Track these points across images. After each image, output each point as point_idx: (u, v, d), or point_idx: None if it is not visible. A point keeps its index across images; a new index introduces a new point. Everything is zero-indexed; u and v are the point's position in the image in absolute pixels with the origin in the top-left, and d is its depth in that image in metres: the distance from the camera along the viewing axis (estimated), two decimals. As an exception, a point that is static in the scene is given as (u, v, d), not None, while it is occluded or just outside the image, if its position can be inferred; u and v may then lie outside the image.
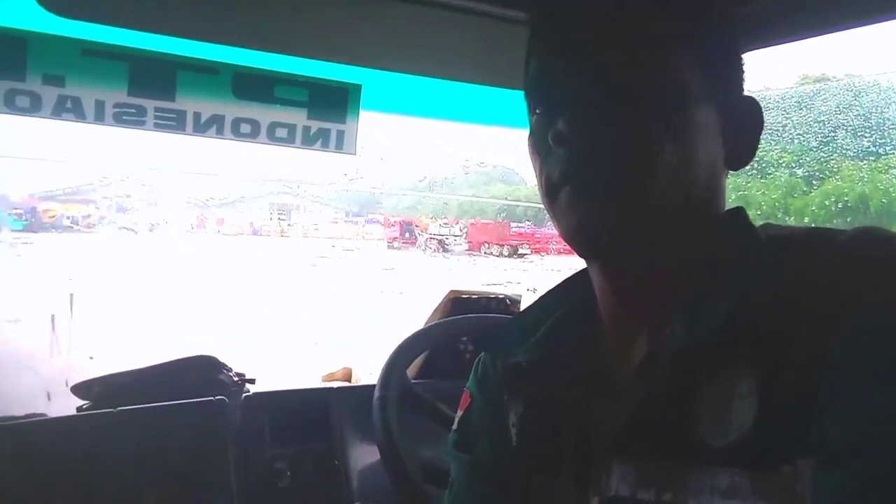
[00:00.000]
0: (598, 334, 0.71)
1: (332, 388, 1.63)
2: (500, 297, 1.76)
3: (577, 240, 0.63)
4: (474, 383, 0.84)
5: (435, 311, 1.70)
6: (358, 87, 1.47)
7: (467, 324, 1.54)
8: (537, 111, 0.66)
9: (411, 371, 1.68)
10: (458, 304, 1.68)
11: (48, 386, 1.43)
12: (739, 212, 0.67)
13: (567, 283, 0.79)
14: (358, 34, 1.24)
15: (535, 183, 0.68)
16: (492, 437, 0.78)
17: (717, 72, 0.64)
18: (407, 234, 20.81)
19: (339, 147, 1.49)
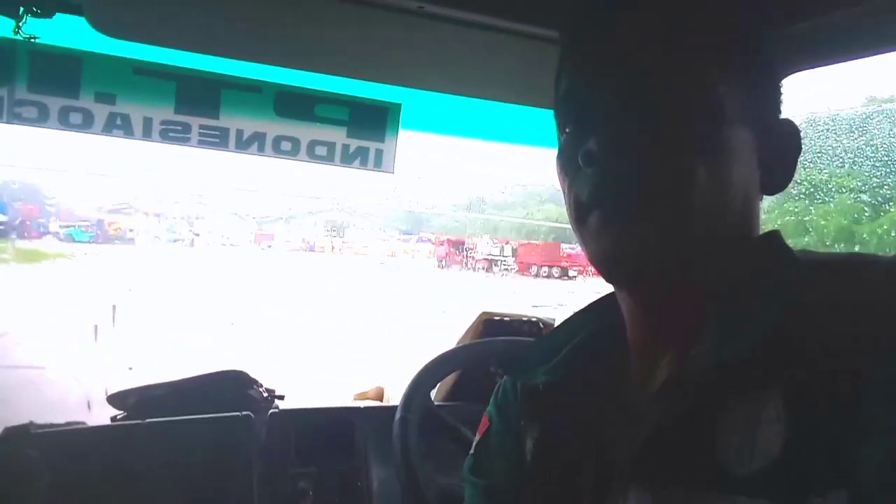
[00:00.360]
0: (623, 357, 0.69)
1: (357, 408, 1.63)
2: (533, 319, 1.72)
3: (606, 265, 0.61)
4: (493, 407, 0.82)
5: (467, 332, 1.68)
6: (398, 106, 1.48)
7: (494, 346, 1.51)
8: (567, 130, 0.64)
9: (442, 393, 1.67)
10: (490, 325, 1.66)
11: (89, 395, 1.47)
12: (775, 235, 0.65)
13: (593, 305, 0.77)
14: (397, 54, 1.25)
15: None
16: (508, 461, 0.76)
17: (755, 94, 0.62)
18: (456, 253, 20.86)
19: (378, 165, 1.50)
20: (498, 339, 1.54)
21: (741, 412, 0.52)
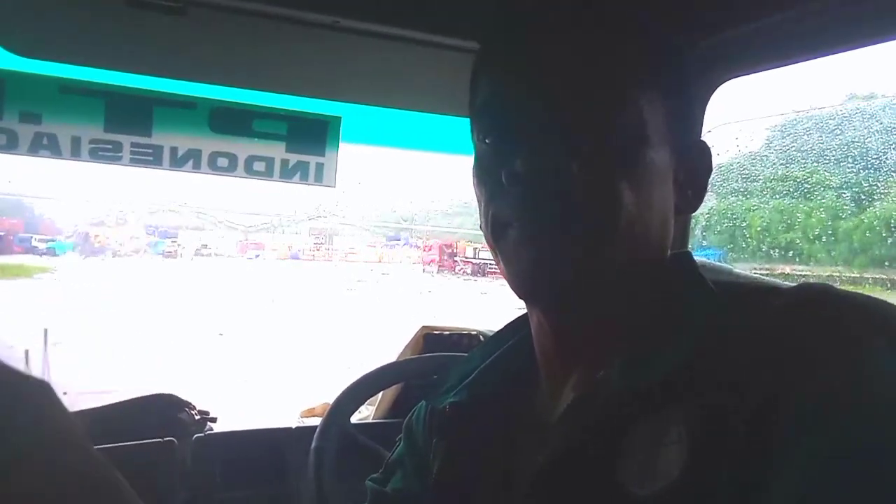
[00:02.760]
0: (533, 377, 0.68)
1: (286, 429, 1.58)
2: (474, 333, 1.70)
3: (523, 285, 0.59)
4: (404, 429, 0.81)
5: (407, 346, 1.66)
6: (337, 120, 1.46)
7: (417, 365, 1.48)
8: (486, 141, 0.61)
9: (382, 409, 1.64)
10: (430, 340, 1.63)
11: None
12: (685, 257, 0.63)
13: (511, 325, 0.76)
14: (333, 70, 1.24)
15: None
16: (406, 479, 0.76)
17: (677, 114, 0.61)
18: (446, 259, 20.79)
19: (318, 180, 1.48)
20: (423, 356, 1.51)
21: (643, 433, 0.51)
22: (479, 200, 0.63)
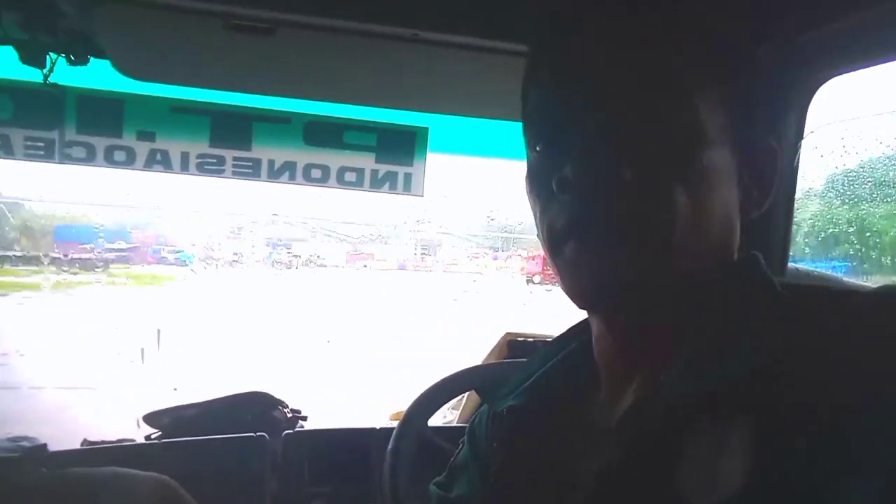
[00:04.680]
0: (593, 382, 0.66)
1: (370, 429, 1.63)
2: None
3: (582, 297, 0.58)
4: (467, 432, 0.82)
5: (491, 352, 1.65)
6: (425, 130, 1.49)
7: (492, 371, 1.47)
8: (537, 148, 0.61)
9: (469, 410, 1.64)
10: (513, 346, 1.62)
11: (138, 414, 1.55)
12: (754, 260, 0.60)
13: (573, 329, 0.74)
14: (417, 81, 1.26)
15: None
16: (470, 483, 0.76)
17: (740, 113, 0.58)
18: (549, 269, 20.40)
19: (407, 189, 1.52)
20: (497, 362, 1.50)
21: (705, 443, 0.49)
22: (532, 210, 0.62)
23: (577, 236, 0.56)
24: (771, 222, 1.17)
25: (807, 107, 1.16)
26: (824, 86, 1.14)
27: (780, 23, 1.00)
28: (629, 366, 0.61)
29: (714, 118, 0.55)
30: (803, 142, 1.17)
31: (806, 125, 1.17)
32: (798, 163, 1.17)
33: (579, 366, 0.69)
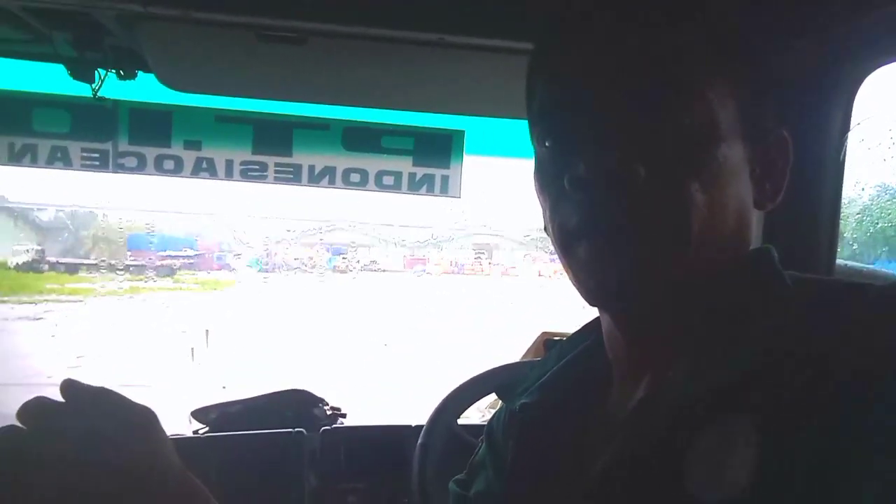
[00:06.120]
0: (606, 379, 0.66)
1: (406, 426, 1.64)
2: (593, 338, 1.63)
3: (594, 296, 0.58)
4: (486, 430, 0.82)
5: (527, 352, 1.64)
6: (461, 133, 1.51)
7: (521, 370, 1.44)
8: (546, 144, 0.59)
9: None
10: (550, 345, 1.60)
11: (188, 410, 1.62)
12: (766, 253, 0.59)
13: (587, 326, 0.74)
14: (449, 84, 1.27)
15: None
16: (487, 481, 0.76)
17: (752, 105, 0.57)
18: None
19: (444, 191, 1.53)
20: (521, 361, 1.49)
21: (711, 437, 0.48)
22: (542, 206, 0.62)
23: (590, 236, 0.55)
24: (818, 217, 1.13)
25: (852, 99, 1.11)
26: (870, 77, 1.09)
27: (819, 15, 0.97)
28: (640, 362, 0.61)
29: (725, 112, 0.54)
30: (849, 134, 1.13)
31: (852, 117, 1.12)
32: (844, 156, 1.13)
33: (593, 362, 0.69)
